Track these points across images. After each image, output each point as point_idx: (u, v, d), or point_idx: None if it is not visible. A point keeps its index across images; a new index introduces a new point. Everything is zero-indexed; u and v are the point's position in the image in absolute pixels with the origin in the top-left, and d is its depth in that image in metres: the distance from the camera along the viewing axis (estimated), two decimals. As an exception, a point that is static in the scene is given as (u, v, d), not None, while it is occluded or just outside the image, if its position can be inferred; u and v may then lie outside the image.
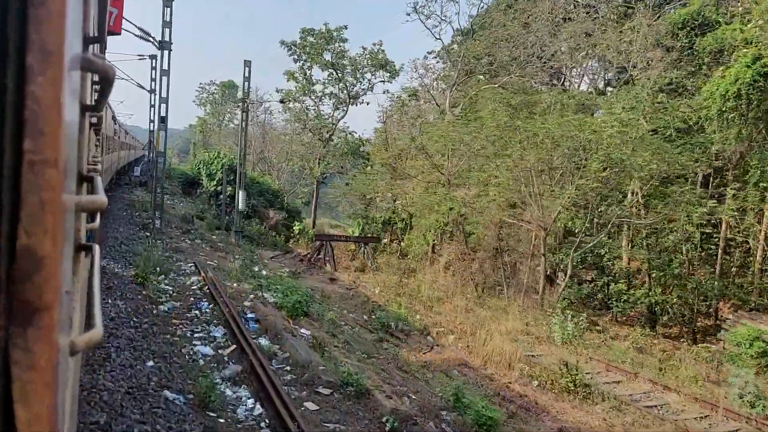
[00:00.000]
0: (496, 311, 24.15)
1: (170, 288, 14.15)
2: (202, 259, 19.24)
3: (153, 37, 19.81)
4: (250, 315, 13.22)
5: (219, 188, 36.21)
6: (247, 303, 14.38)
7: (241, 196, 28.95)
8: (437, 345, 19.31)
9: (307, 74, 45.07)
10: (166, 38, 21.02)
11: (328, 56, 43.85)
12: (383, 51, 44.67)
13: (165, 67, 21.48)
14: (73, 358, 1.05)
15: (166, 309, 12.27)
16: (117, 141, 21.52)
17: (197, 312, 12.61)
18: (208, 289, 14.54)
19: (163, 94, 21.88)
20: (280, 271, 23.90)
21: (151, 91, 30.91)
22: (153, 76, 30.97)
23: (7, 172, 0.62)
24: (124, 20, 12.33)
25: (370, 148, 46.71)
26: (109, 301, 11.42)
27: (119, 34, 11.26)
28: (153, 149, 32.81)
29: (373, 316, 20.61)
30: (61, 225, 0.69)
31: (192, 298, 13.61)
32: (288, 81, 44.89)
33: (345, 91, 45.26)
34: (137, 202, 28.11)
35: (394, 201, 37.85)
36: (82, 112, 1.61)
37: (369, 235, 37.47)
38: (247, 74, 27.48)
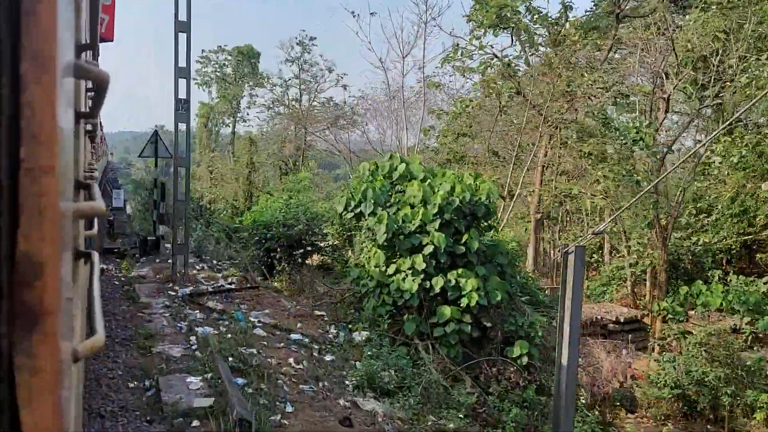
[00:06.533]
0: None
1: None
2: None
3: None
4: None
5: None
6: None
7: None
8: None
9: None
10: None
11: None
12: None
13: None
14: (76, 364, 1.06)
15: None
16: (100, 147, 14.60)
17: None
18: None
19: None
20: None
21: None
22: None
23: (4, 179, 0.64)
24: None
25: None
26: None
27: (112, 40, 11.19)
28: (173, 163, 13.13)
29: None
30: (58, 231, 0.70)
31: None
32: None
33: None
34: None
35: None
36: (76, 119, 1.63)
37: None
38: None
